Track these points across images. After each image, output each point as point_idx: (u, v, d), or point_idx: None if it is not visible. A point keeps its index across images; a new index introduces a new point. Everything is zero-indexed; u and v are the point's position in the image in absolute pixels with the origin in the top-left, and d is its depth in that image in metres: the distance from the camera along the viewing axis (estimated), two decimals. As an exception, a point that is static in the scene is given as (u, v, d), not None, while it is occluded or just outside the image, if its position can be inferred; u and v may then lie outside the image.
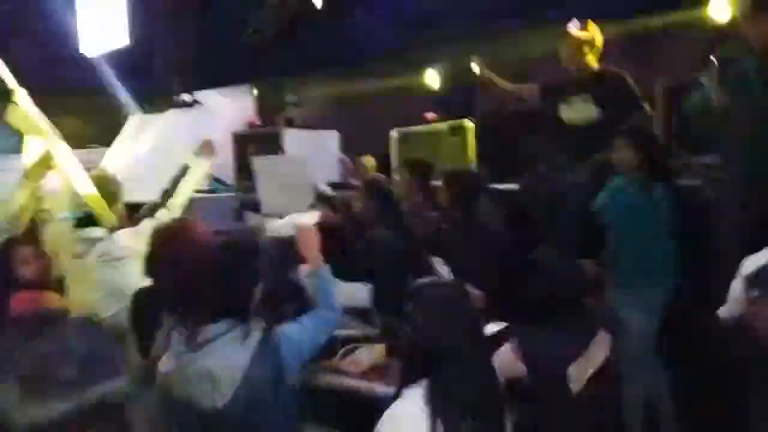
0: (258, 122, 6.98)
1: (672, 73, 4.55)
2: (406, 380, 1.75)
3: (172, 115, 4.49)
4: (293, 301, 2.61)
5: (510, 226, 3.80)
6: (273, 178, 4.02)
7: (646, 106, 3.98)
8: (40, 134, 2.93)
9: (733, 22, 4.30)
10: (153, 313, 2.22)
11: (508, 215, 3.89)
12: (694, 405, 3.11)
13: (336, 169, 4.21)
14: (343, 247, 3.76)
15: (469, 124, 5.58)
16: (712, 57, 3.10)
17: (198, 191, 3.74)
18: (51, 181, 3.13)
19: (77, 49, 7.42)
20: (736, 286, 2.17)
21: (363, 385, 2.58)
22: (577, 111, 3.89)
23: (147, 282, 3.00)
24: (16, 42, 6.20)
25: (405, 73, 6.44)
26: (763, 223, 2.75)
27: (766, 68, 2.83)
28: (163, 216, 3.05)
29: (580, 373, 2.08)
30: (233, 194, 5.19)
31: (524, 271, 2.41)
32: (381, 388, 2.47)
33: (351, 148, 5.76)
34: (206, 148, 3.37)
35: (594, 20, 3.98)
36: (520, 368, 2.03)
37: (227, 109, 6.54)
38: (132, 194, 3.39)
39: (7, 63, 2.90)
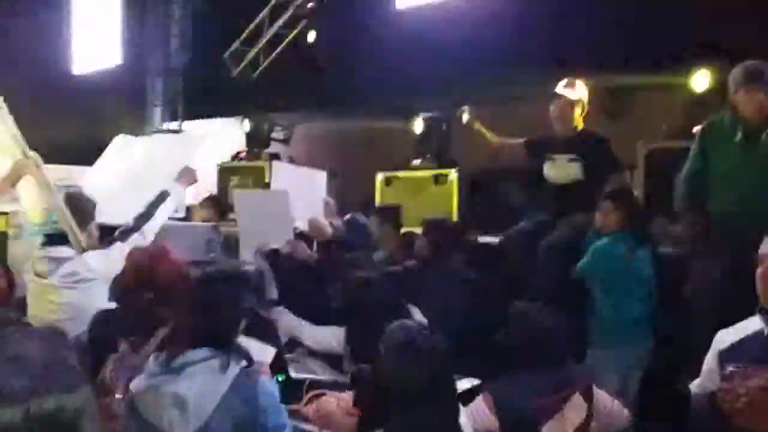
0: (244, 155, 6.97)
1: (652, 136, 4.67)
2: (367, 427, 1.70)
3: (156, 140, 4.46)
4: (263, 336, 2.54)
5: (488, 278, 3.78)
6: (253, 211, 3.96)
7: (625, 170, 4.07)
8: (11, 150, 2.86)
9: (712, 91, 4.46)
10: (110, 337, 2.15)
11: (487, 268, 3.88)
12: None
13: (320, 209, 4.18)
14: (317, 287, 3.71)
15: (453, 174, 5.63)
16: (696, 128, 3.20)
17: (173, 219, 3.68)
18: (23, 197, 3.05)
19: (68, 67, 7.41)
20: (710, 360, 2.13)
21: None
22: (561, 169, 3.93)
23: (110, 305, 2.92)
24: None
25: (392, 117, 6.52)
26: (738, 294, 2.76)
27: (746, 125, 2.95)
28: (136, 240, 2.96)
29: (555, 433, 2.02)
30: (210, 224, 5.11)
31: (499, 323, 2.38)
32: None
33: (336, 187, 5.75)
34: (187, 175, 3.32)
35: (577, 74, 4.07)
36: (493, 422, 1.96)
37: (213, 139, 6.53)
38: (106, 216, 3.31)
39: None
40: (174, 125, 7.41)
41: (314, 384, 2.77)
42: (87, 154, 4.31)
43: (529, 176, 4.43)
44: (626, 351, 3.23)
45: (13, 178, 2.77)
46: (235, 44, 6.99)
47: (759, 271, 1.91)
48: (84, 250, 2.96)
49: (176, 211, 3.32)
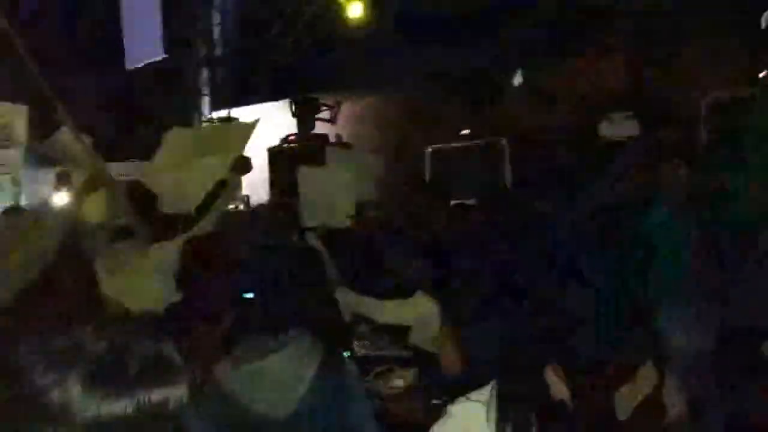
0: (294, 138, 7.04)
1: (715, 85, 4.43)
2: (470, 385, 1.72)
3: (208, 129, 4.55)
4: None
5: (545, 246, 3.71)
6: (316, 188, 4.02)
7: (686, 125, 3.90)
8: (81, 164, 2.95)
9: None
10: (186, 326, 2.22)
11: (547, 237, 3.81)
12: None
13: (374, 189, 4.20)
14: (375, 264, 3.74)
15: (503, 142, 5.53)
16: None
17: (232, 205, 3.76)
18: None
19: (119, 62, 7.61)
20: None
21: (396, 406, 2.51)
22: (618, 128, 3.81)
23: (180, 294, 3.03)
24: (59, 55, 6.39)
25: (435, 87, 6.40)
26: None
27: None
28: (198, 230, 3.04)
29: (627, 400, 1.98)
30: (268, 210, 5.19)
31: (569, 291, 2.34)
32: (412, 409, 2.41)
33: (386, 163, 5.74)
34: (241, 164, 3.36)
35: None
36: (564, 391, 1.94)
37: (264, 124, 6.60)
38: (167, 207, 3.40)
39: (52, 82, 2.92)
40: (222, 113, 7.53)
41: (380, 360, 2.82)
42: (143, 148, 4.44)
43: (582, 138, 4.31)
44: (696, 309, 3.14)
45: (91, 186, 2.86)
46: (277, 26, 7.01)
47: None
48: (149, 242, 3.06)
49: (234, 198, 3.38)
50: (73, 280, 3.33)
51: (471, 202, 4.13)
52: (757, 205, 3.14)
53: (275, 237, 3.88)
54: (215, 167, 3.43)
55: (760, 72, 3.19)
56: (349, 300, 3.04)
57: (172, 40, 7.38)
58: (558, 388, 1.98)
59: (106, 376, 0.76)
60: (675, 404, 2.13)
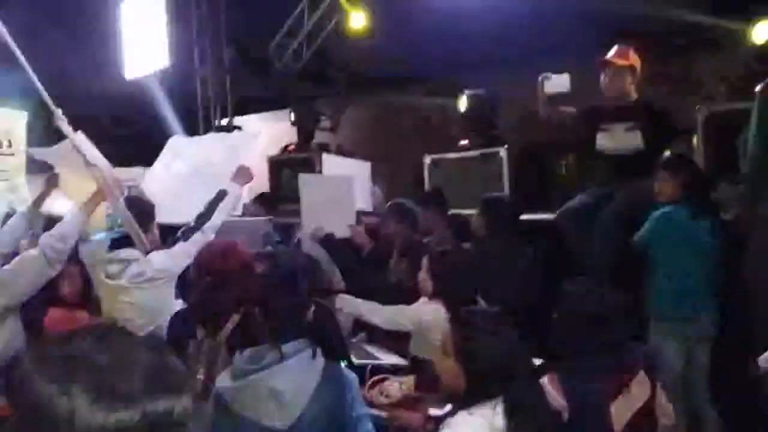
0: (294, 147, 7.06)
1: (711, 98, 4.46)
2: (469, 400, 1.74)
3: (210, 139, 4.57)
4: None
5: (544, 255, 3.73)
6: (317, 195, 4.04)
7: (687, 137, 3.91)
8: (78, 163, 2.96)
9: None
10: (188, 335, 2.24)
11: (542, 245, 3.82)
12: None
13: (368, 198, 4.21)
14: (373, 271, 3.75)
15: (502, 152, 5.54)
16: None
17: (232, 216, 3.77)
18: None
19: (120, 72, 7.64)
20: None
21: (391, 416, 2.51)
22: (617, 139, 3.81)
23: (179, 304, 3.04)
24: (59, 64, 6.42)
25: (438, 97, 6.44)
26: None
27: None
28: (198, 239, 3.06)
29: (621, 411, 1.99)
30: (266, 218, 5.22)
31: (557, 301, 2.34)
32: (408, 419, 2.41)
33: (384, 172, 5.76)
34: (243, 174, 3.38)
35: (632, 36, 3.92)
36: (560, 403, 1.95)
37: (265, 133, 6.64)
38: (166, 216, 3.42)
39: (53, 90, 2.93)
40: (224, 122, 7.56)
41: (376, 369, 2.82)
42: (145, 155, 4.46)
43: (580, 148, 4.32)
44: (688, 323, 3.14)
45: (95, 202, 2.87)
46: (278, 37, 7.04)
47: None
48: (148, 251, 3.07)
49: (234, 209, 3.40)
50: (73, 286, 3.35)
51: (469, 211, 4.14)
52: (751, 214, 3.16)
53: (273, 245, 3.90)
54: (216, 181, 3.45)
55: (756, 85, 3.20)
56: (349, 305, 3.05)
57: (175, 49, 7.40)
58: (555, 398, 1.99)
59: (111, 386, 0.77)
60: (666, 415, 2.14)
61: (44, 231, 2.98)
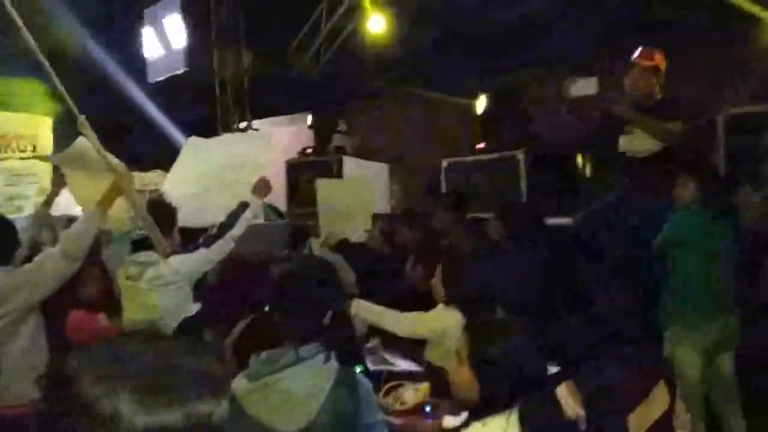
0: (311, 150, 7.09)
1: (734, 100, 4.39)
2: (484, 409, 1.72)
3: (225, 141, 4.60)
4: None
5: (563, 261, 3.69)
6: (334, 200, 4.07)
7: (709, 138, 3.85)
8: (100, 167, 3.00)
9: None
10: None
11: (561, 250, 3.79)
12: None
13: (386, 200, 4.23)
14: (390, 275, 3.75)
15: (520, 155, 5.51)
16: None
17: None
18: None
19: (142, 76, 7.75)
20: None
21: (406, 423, 2.51)
22: (641, 141, 3.77)
23: (197, 307, 3.07)
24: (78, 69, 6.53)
25: (455, 99, 6.41)
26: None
27: None
28: (219, 247, 3.14)
29: (639, 422, 1.96)
30: (284, 222, 5.25)
31: (577, 309, 2.32)
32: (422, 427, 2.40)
33: (400, 176, 5.77)
34: (262, 187, 3.43)
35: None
36: (578, 411, 1.93)
37: (282, 136, 6.69)
38: (187, 220, 3.46)
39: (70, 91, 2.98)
40: (243, 125, 7.62)
41: (391, 375, 2.82)
42: (166, 158, 4.52)
43: (602, 151, 4.27)
44: (707, 331, 3.08)
45: (111, 198, 2.91)
46: (296, 40, 7.08)
47: None
48: (168, 255, 3.11)
49: (255, 217, 3.45)
50: (93, 289, 3.40)
51: (487, 215, 4.12)
52: None
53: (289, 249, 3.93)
54: (236, 186, 3.50)
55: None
56: (365, 311, 3.04)
57: (194, 53, 7.48)
58: (571, 407, 1.97)
59: (156, 388, 0.79)
60: (684, 426, 2.11)
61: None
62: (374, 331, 3.27)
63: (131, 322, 3.05)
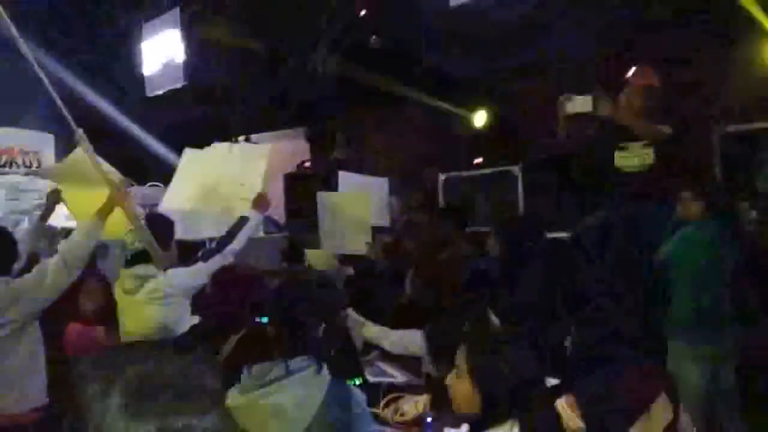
0: (309, 163, 7.11)
1: (727, 117, 4.42)
2: (484, 422, 1.72)
3: (220, 152, 4.62)
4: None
5: (560, 275, 3.70)
6: (334, 213, 4.07)
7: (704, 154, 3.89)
8: (102, 179, 3.02)
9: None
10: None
11: (558, 264, 3.80)
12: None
13: (385, 214, 4.22)
14: (386, 289, 3.76)
15: (516, 169, 5.55)
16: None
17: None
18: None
19: (141, 90, 7.79)
20: None
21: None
22: (636, 157, 3.79)
23: (195, 320, 3.06)
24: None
25: (453, 113, 6.43)
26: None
27: None
28: (218, 261, 3.14)
29: (641, 434, 1.96)
30: (281, 235, 5.26)
31: (575, 322, 2.33)
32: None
33: (398, 189, 5.77)
34: (261, 202, 3.44)
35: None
36: (578, 423, 1.93)
37: (280, 149, 6.70)
38: (184, 233, 3.47)
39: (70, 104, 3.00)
40: (241, 139, 7.64)
41: (390, 387, 2.81)
42: (164, 172, 4.53)
43: (598, 167, 4.29)
44: (711, 344, 3.08)
45: (109, 208, 2.92)
46: (295, 55, 7.12)
47: None
48: (166, 268, 3.11)
49: (254, 234, 3.46)
50: (91, 302, 3.40)
51: (485, 229, 4.13)
52: None
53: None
54: (232, 199, 3.51)
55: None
56: (359, 327, 3.05)
57: (193, 68, 7.53)
58: (571, 420, 1.96)
59: (140, 398, 0.81)
60: None
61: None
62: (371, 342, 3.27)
63: (129, 336, 3.04)
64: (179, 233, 3.39)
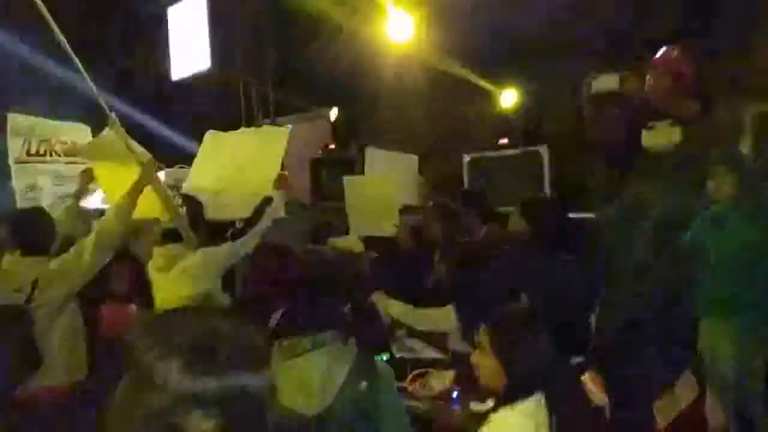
0: (333, 146, 7.14)
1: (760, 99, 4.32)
2: (513, 396, 1.75)
3: (244, 133, 4.65)
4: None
5: (587, 257, 3.68)
6: (361, 196, 4.11)
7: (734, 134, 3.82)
8: (132, 159, 3.09)
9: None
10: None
11: (584, 245, 3.77)
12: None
13: (414, 192, 4.23)
14: (414, 270, 3.78)
15: (543, 150, 5.50)
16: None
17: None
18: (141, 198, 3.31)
19: (167, 74, 7.87)
20: None
21: (433, 408, 2.54)
22: (661, 136, 3.75)
23: (226, 298, 3.14)
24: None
25: (479, 95, 6.39)
26: None
27: None
28: (245, 241, 3.21)
29: (665, 410, 1.97)
30: (307, 214, 5.30)
31: (600, 303, 2.33)
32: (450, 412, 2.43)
33: (423, 171, 5.77)
34: (282, 182, 3.50)
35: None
36: (603, 399, 1.95)
37: (305, 132, 6.74)
38: (211, 214, 3.53)
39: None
40: (267, 122, 7.71)
41: (416, 362, 2.85)
42: (189, 155, 4.60)
43: (625, 147, 4.25)
44: (741, 324, 3.05)
45: (139, 187, 2.99)
46: (319, 40, 7.13)
47: None
48: (197, 247, 3.18)
49: (278, 214, 3.52)
50: (123, 283, 3.50)
51: (509, 210, 4.12)
52: None
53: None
54: (255, 181, 3.57)
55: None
56: (385, 306, 3.09)
57: (218, 52, 7.58)
58: (596, 395, 1.99)
59: (200, 356, 0.85)
60: (717, 419, 2.11)
61: None
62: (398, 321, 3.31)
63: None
64: (208, 214, 3.46)
